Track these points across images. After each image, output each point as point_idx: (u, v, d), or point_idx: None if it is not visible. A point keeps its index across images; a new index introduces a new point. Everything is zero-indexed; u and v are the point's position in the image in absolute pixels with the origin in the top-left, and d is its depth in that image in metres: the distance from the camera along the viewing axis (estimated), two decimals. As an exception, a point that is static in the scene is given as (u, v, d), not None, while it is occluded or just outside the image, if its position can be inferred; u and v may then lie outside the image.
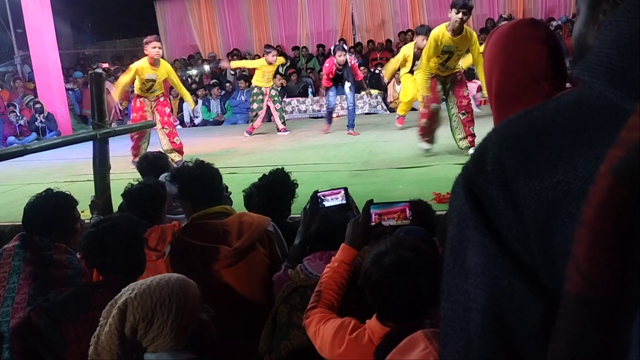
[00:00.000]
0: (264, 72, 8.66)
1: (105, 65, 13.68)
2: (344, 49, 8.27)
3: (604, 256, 0.37)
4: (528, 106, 0.50)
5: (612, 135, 0.40)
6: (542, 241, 0.44)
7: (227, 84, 12.09)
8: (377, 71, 11.69)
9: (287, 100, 11.12)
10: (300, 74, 12.28)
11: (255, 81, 8.78)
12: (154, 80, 6.62)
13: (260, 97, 8.72)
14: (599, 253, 0.37)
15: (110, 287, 1.93)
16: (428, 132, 6.08)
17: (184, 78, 13.01)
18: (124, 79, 6.74)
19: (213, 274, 2.36)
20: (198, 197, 2.59)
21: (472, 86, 8.16)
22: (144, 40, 6.63)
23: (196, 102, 11.67)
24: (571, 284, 0.39)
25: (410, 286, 1.54)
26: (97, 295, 2.07)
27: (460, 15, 5.45)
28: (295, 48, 13.27)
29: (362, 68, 11.78)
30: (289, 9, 13.73)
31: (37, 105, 10.09)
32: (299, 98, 11.39)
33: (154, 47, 6.50)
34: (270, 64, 8.63)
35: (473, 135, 5.90)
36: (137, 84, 6.66)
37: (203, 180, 2.60)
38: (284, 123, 8.94)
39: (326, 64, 8.36)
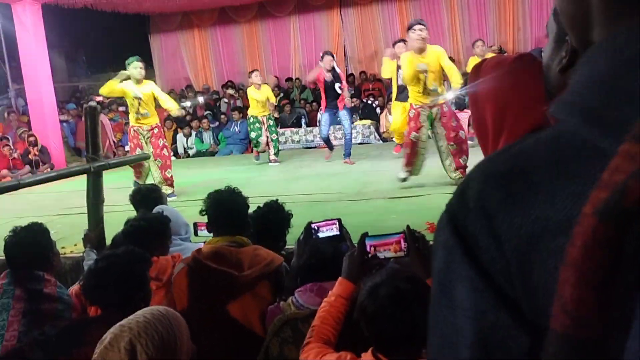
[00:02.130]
0: (256, 99, 8.73)
1: (99, 98, 13.75)
2: (332, 56, 8.33)
3: (590, 296, 0.38)
4: (528, 131, 0.52)
5: (590, 174, 0.41)
6: (522, 275, 0.45)
7: (222, 116, 12.17)
8: (369, 102, 11.81)
9: (280, 130, 11.17)
10: (294, 104, 12.38)
11: (250, 111, 8.86)
12: (140, 98, 6.68)
13: (257, 125, 8.79)
14: (585, 293, 0.38)
15: (106, 322, 1.92)
16: (409, 162, 6.10)
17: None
18: (112, 81, 6.81)
19: (220, 300, 2.35)
20: (222, 223, 2.63)
21: (464, 116, 8.23)
22: (126, 62, 6.74)
23: (190, 134, 11.73)
24: (557, 323, 0.39)
25: (406, 318, 1.53)
26: (91, 330, 2.05)
27: (417, 32, 5.60)
28: (288, 79, 13.40)
29: (354, 99, 11.94)
30: (282, 41, 13.91)
31: (31, 138, 10.10)
32: (292, 129, 11.47)
33: (135, 68, 6.68)
34: (256, 85, 8.66)
35: (465, 167, 5.90)
36: (130, 112, 6.75)
37: (230, 207, 2.64)
38: (276, 154, 8.95)
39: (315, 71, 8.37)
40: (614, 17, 0.49)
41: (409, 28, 5.82)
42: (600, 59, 0.46)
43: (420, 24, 5.82)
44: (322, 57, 8.18)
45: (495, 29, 12.46)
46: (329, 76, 8.06)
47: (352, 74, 13.30)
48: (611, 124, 0.43)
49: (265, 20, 13.86)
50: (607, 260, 0.37)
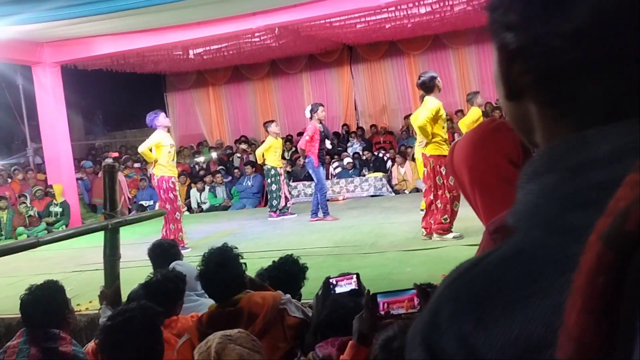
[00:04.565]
0: (275, 149, 8.83)
1: (115, 154, 14.01)
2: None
3: (594, 320, 0.39)
4: (512, 194, 0.53)
5: (564, 283, 0.42)
6: None
7: (235, 170, 12.30)
8: (380, 154, 11.90)
9: (293, 184, 11.26)
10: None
11: (269, 162, 8.87)
12: (173, 144, 7.02)
13: (277, 177, 8.86)
14: (589, 318, 0.39)
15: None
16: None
17: (191, 165, 13.27)
18: (145, 148, 6.94)
19: None
20: (217, 289, 2.66)
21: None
22: (152, 116, 7.02)
23: (203, 189, 11.85)
24: (562, 352, 0.40)
25: None
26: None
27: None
28: (300, 134, 13.58)
29: (365, 152, 12.05)
30: (293, 97, 14.19)
31: (50, 190, 10.24)
32: (305, 182, 11.53)
33: (165, 117, 7.16)
34: (277, 135, 8.85)
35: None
36: (166, 164, 6.87)
37: (220, 273, 2.64)
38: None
39: (308, 128, 8.19)
40: (551, 121, 0.51)
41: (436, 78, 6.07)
42: (545, 171, 0.49)
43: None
44: (316, 110, 8.07)
45: (503, 82, 12.62)
46: (321, 127, 8.11)
47: (362, 128, 13.48)
48: (574, 229, 0.44)
49: (277, 78, 14.20)
50: (611, 285, 0.38)
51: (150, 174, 7.59)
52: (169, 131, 7.16)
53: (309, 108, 8.21)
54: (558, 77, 0.49)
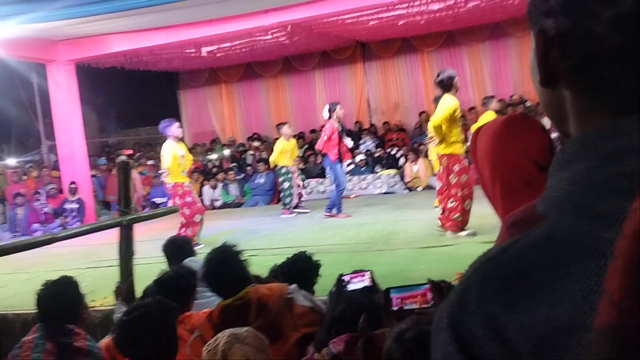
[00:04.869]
0: (286, 151, 8.89)
1: (129, 151, 14.10)
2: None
3: (637, 282, 0.39)
4: (536, 196, 0.54)
5: (592, 267, 0.43)
6: None
7: (248, 167, 12.33)
8: (392, 152, 11.87)
9: (306, 181, 11.27)
10: (318, 155, 12.50)
11: (281, 162, 8.93)
12: (184, 155, 7.09)
13: (289, 175, 8.90)
14: (632, 280, 0.39)
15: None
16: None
17: (204, 162, 13.32)
18: (168, 161, 7.00)
19: None
20: (224, 286, 2.68)
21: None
22: (165, 124, 7.07)
23: (216, 186, 11.90)
24: (603, 318, 0.41)
25: None
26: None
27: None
28: (313, 131, 13.59)
29: (378, 149, 12.03)
30: (306, 94, 14.18)
31: (72, 186, 10.33)
32: (318, 179, 11.54)
33: (178, 127, 7.18)
34: (289, 137, 8.91)
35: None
36: (177, 173, 7.00)
37: (224, 271, 2.69)
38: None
39: (326, 127, 8.18)
40: (585, 109, 0.52)
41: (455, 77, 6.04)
42: (577, 159, 0.50)
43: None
44: (334, 109, 8.06)
45: (518, 79, 12.55)
46: (339, 127, 8.11)
47: (374, 125, 13.44)
48: (606, 216, 0.45)
49: (290, 75, 14.20)
50: None
51: (163, 183, 7.72)
52: (181, 140, 7.21)
53: (326, 108, 8.19)
54: (596, 64, 0.50)
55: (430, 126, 6.31)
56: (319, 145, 8.28)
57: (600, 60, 0.49)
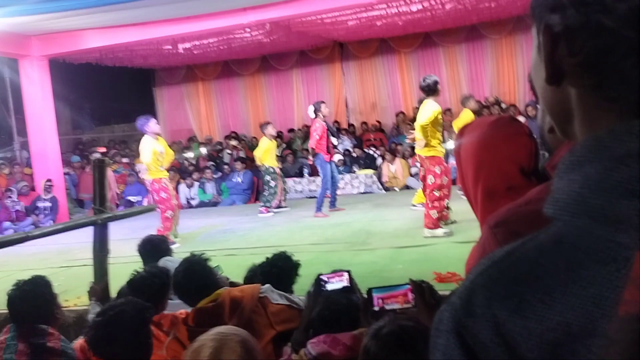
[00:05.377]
0: (271, 150, 8.96)
1: (103, 149, 13.89)
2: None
3: None
4: (517, 199, 0.53)
5: (605, 272, 0.42)
6: None
7: (225, 166, 12.25)
8: (370, 152, 11.91)
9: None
10: (296, 155, 12.49)
11: (267, 162, 8.96)
12: (162, 152, 7.05)
13: (276, 175, 8.99)
14: None
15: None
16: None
17: (180, 161, 13.19)
18: (148, 157, 6.94)
19: None
20: (192, 296, 2.75)
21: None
22: (143, 121, 7.01)
23: (192, 185, 11.80)
24: (629, 306, 0.40)
25: (409, 357, 1.50)
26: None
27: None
28: (291, 130, 13.57)
29: (356, 149, 12.06)
30: (284, 93, 14.15)
31: (48, 184, 10.12)
32: (295, 179, 11.52)
33: (156, 124, 7.17)
34: (273, 136, 9.01)
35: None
36: (156, 168, 6.96)
37: (191, 282, 2.79)
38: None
39: (316, 126, 8.21)
40: (593, 108, 0.51)
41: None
42: (587, 162, 0.48)
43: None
44: (319, 108, 8.17)
45: (493, 81, 12.69)
46: (325, 124, 8.21)
47: (352, 125, 13.47)
48: (620, 220, 0.44)
49: (268, 73, 14.15)
50: None
51: (142, 180, 7.67)
52: (157, 137, 7.15)
53: (311, 108, 8.29)
54: (606, 59, 0.48)
55: (416, 129, 6.41)
56: (311, 144, 8.36)
57: (611, 56, 0.48)
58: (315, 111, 8.13)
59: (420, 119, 6.14)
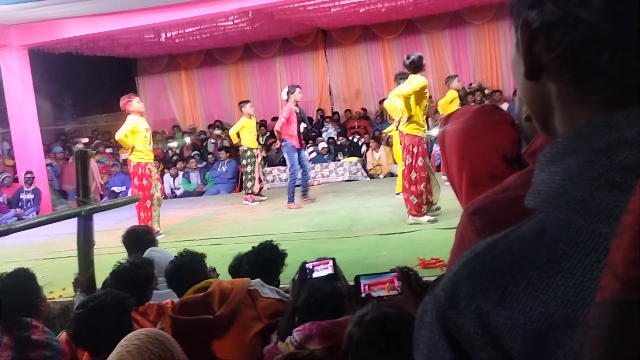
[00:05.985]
0: (249, 129, 8.75)
1: (85, 139, 13.74)
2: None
3: None
4: (486, 178, 0.53)
5: (587, 262, 0.43)
6: None
7: (210, 155, 12.19)
8: (354, 140, 11.92)
9: (267, 169, 11.22)
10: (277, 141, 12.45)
11: (245, 142, 8.79)
12: (148, 128, 6.96)
13: (253, 159, 8.81)
14: (636, 254, 0.39)
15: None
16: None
17: (164, 150, 13.10)
18: (122, 134, 6.81)
19: (204, 347, 2.34)
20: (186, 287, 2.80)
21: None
22: (125, 100, 6.92)
23: (177, 175, 11.73)
24: (605, 292, 0.40)
25: (391, 344, 1.52)
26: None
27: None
28: (274, 118, 13.51)
29: (340, 137, 12.05)
30: (267, 81, 14.08)
31: (28, 176, 9.99)
32: (280, 167, 11.50)
33: (139, 102, 7.06)
34: (250, 116, 8.77)
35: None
36: (142, 149, 6.81)
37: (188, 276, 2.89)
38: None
39: (284, 109, 8.03)
40: (572, 101, 0.51)
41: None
42: (569, 154, 0.49)
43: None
44: (293, 92, 7.91)
45: (476, 67, 12.74)
46: (297, 109, 7.94)
47: (337, 112, 13.46)
48: (602, 210, 0.45)
49: (251, 62, 14.06)
50: None
51: (127, 160, 7.47)
52: (142, 115, 7.04)
53: (285, 90, 8.09)
54: (584, 53, 0.48)
55: (390, 106, 6.32)
56: (277, 127, 8.11)
57: (588, 49, 0.48)
58: (288, 93, 7.93)
59: (404, 89, 5.99)
